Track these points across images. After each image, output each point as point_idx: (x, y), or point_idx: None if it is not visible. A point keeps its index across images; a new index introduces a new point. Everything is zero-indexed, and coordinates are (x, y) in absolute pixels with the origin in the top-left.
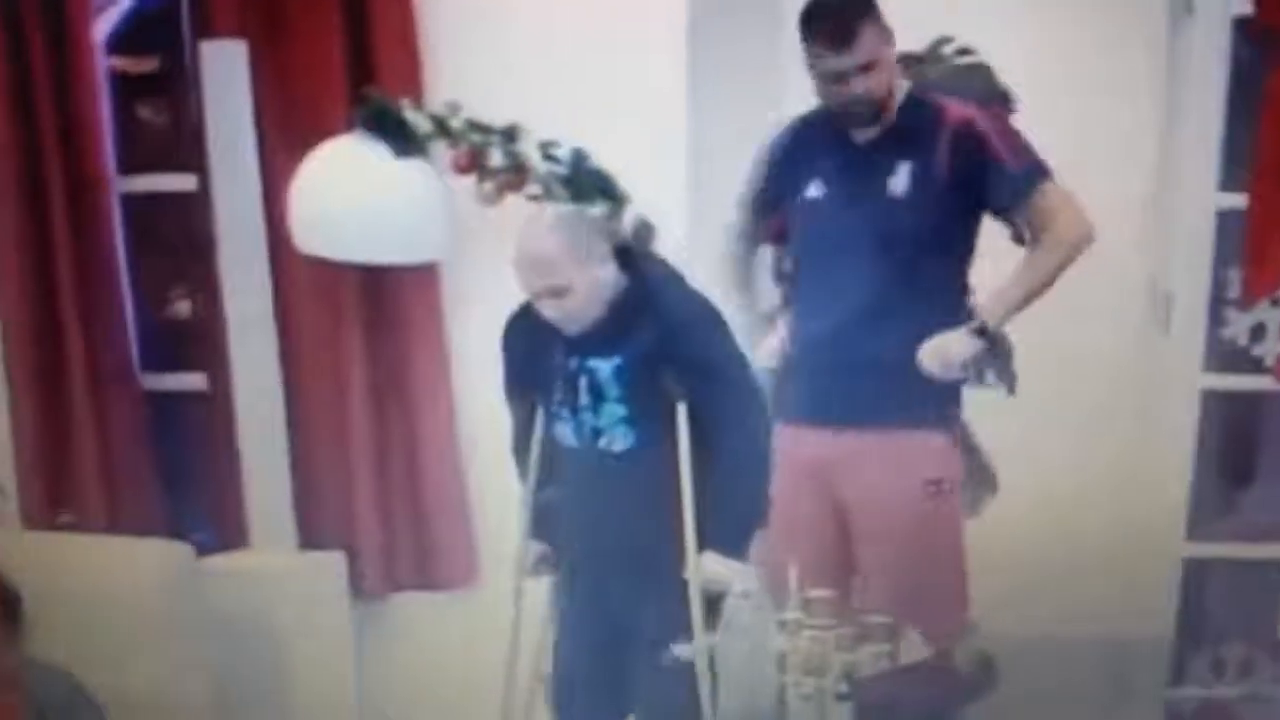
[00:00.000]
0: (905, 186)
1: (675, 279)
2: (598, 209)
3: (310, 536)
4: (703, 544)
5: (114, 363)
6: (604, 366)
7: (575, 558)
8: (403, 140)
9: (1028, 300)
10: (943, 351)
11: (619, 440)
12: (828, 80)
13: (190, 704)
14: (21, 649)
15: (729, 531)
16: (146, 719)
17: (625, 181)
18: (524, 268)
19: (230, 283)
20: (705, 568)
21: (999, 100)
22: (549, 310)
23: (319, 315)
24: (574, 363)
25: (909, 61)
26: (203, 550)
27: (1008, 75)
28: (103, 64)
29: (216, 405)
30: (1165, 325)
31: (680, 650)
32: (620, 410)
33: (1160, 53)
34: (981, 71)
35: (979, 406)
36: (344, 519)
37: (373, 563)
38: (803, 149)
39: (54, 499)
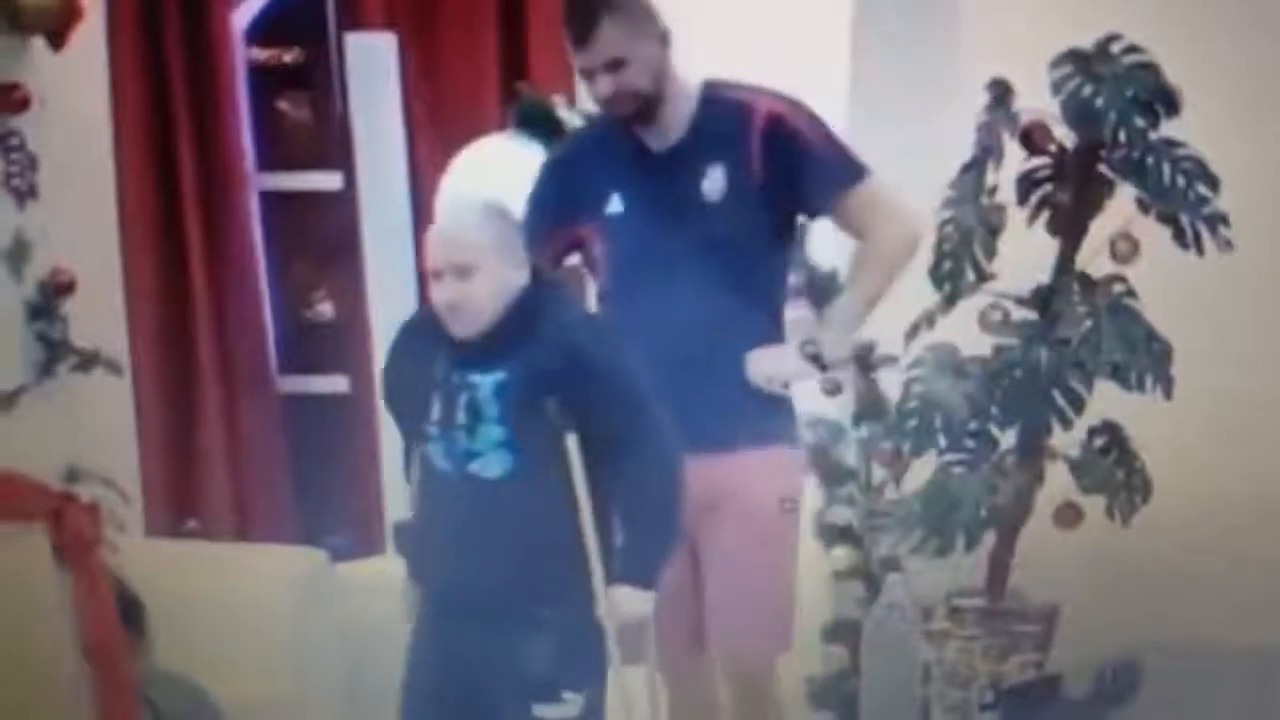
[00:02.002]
0: (720, 190)
1: (574, 307)
2: None
3: None
4: (609, 578)
5: (249, 366)
6: (485, 382)
7: (428, 597)
8: (553, 135)
9: (862, 317)
10: (770, 366)
11: (493, 465)
12: (583, 79)
13: (319, 713)
14: (144, 658)
15: (643, 561)
16: None
17: None
18: (439, 239)
19: (375, 284)
20: (619, 604)
21: (1163, 100)
22: (446, 293)
23: None
24: (455, 377)
25: (1077, 59)
26: (338, 556)
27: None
28: (242, 55)
29: (358, 408)
30: None
31: (546, 712)
32: (498, 432)
33: None
34: (1149, 70)
35: (1134, 411)
36: None
37: None
38: (591, 161)
39: (181, 506)
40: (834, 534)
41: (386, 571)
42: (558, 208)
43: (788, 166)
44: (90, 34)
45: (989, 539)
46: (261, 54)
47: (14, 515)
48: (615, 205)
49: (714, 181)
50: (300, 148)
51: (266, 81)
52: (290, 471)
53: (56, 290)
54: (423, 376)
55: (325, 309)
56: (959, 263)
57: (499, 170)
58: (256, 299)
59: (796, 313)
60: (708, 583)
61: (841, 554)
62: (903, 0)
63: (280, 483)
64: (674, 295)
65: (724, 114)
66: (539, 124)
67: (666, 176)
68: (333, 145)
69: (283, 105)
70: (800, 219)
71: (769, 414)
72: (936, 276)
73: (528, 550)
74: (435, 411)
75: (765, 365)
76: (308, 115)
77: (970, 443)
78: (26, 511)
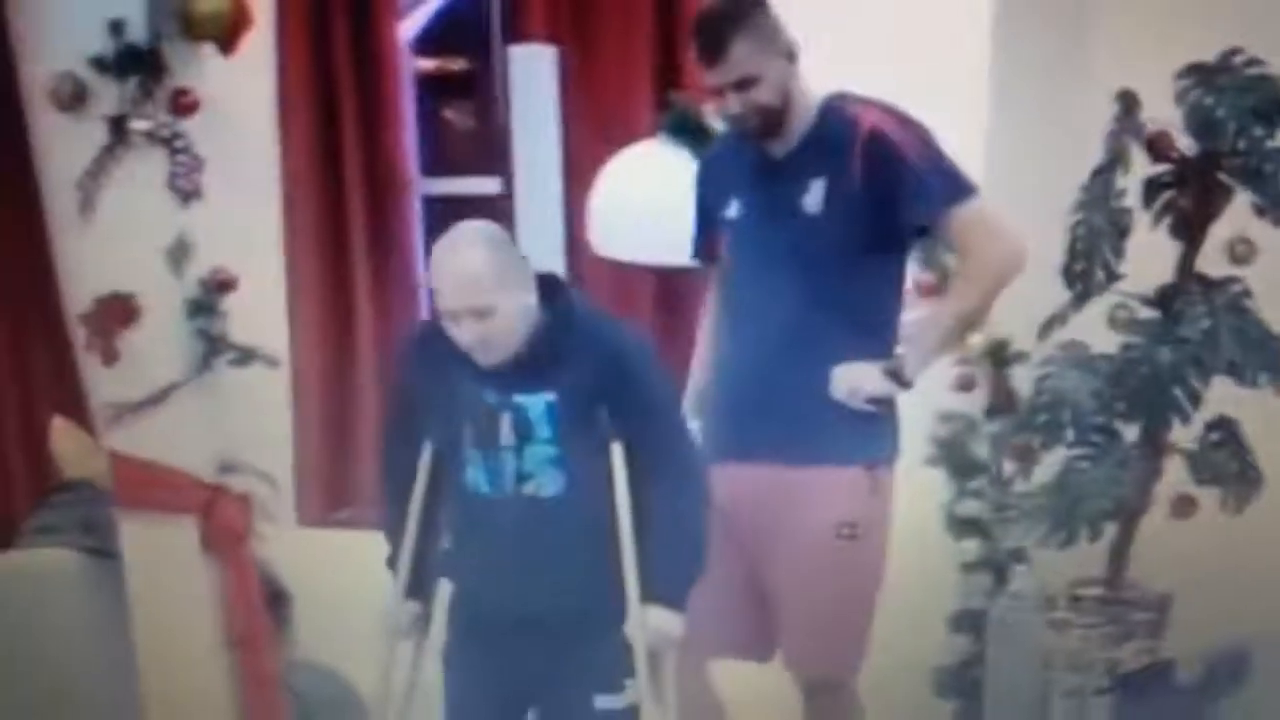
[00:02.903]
0: (820, 202)
1: (601, 312)
2: None
3: None
4: (643, 597)
5: None
6: (533, 403)
7: (479, 617)
8: (702, 144)
9: (954, 337)
10: (852, 381)
11: (548, 485)
12: (714, 95)
13: None
14: (289, 648)
15: (672, 582)
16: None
17: None
18: (446, 284)
19: None
20: (653, 624)
21: None
22: (467, 334)
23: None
24: (492, 399)
25: (1199, 72)
26: None
27: None
28: (409, 64)
29: None
30: None
31: (608, 703)
32: (550, 451)
33: None
34: (1268, 82)
35: (1248, 407)
36: None
37: None
38: (725, 166)
39: (334, 496)
40: (963, 526)
41: None
42: (701, 208)
43: (887, 181)
44: (259, 40)
45: (1110, 530)
46: (430, 64)
47: (165, 507)
48: (734, 210)
49: (815, 194)
50: (463, 154)
51: (435, 90)
52: None
53: (217, 288)
54: (448, 397)
55: None
56: (1090, 262)
57: (649, 175)
58: (416, 299)
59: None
60: (776, 598)
61: (971, 546)
62: (1038, 20)
63: None
64: (772, 304)
65: (835, 127)
66: (689, 131)
67: (777, 186)
68: (493, 151)
69: (449, 113)
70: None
71: (845, 431)
72: (1069, 275)
73: (586, 564)
74: (470, 435)
75: (848, 380)
76: (472, 123)
77: (1096, 437)
78: (177, 504)
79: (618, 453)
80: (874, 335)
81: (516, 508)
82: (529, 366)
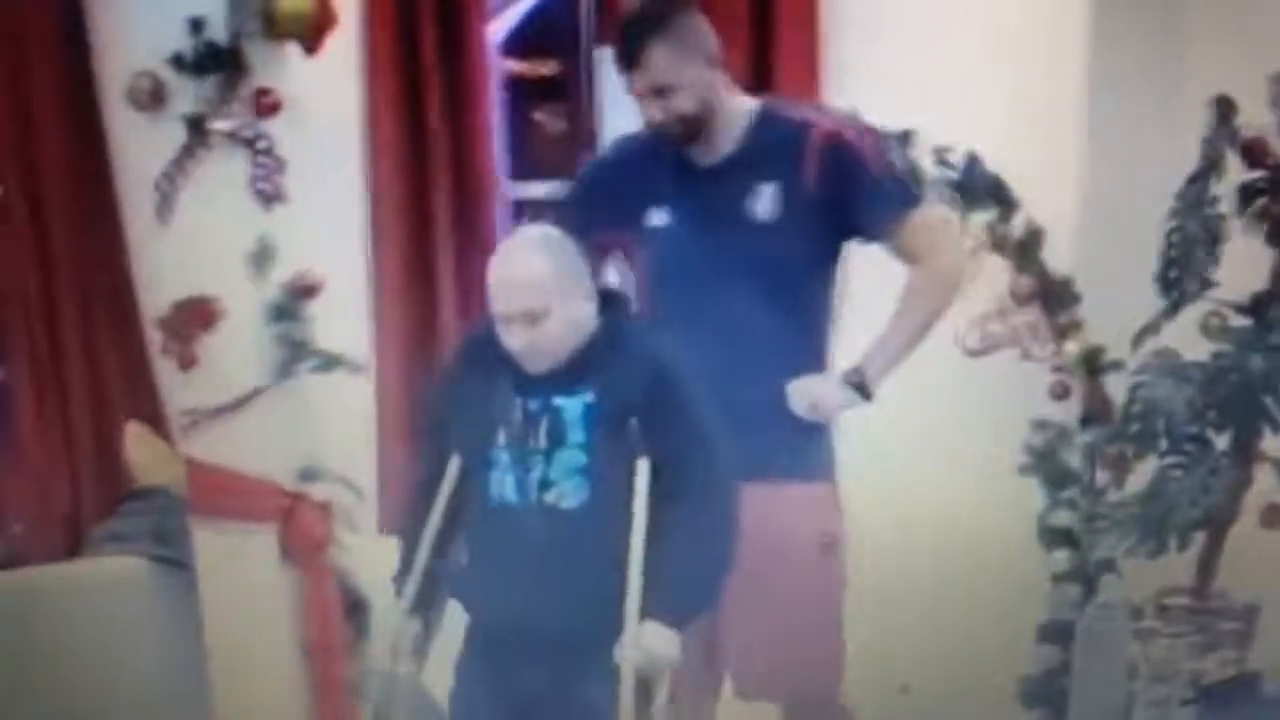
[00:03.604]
0: (770, 209)
1: (648, 326)
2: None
3: None
4: (644, 613)
5: None
6: (571, 405)
7: (492, 633)
8: None
9: (910, 346)
10: (812, 395)
11: (570, 494)
12: (636, 100)
13: None
14: (365, 657)
15: (677, 602)
16: None
17: (1016, 187)
18: (504, 286)
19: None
20: (647, 643)
21: None
22: (517, 339)
23: None
24: (533, 403)
25: None
26: None
27: None
28: (496, 65)
29: None
30: None
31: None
32: (579, 458)
33: None
34: None
35: None
36: None
37: None
38: (635, 171)
39: None
40: (1055, 537)
41: None
42: (590, 212)
43: (844, 187)
44: (344, 40)
45: (1198, 539)
46: (519, 66)
47: (243, 515)
48: (655, 218)
49: (765, 200)
50: (551, 157)
51: (523, 93)
52: None
53: (300, 293)
54: (488, 400)
55: None
56: (1184, 270)
57: None
58: None
59: (1027, 317)
60: (748, 618)
61: (1061, 556)
62: (1133, 28)
63: None
64: (713, 315)
65: (781, 132)
66: None
67: (711, 193)
68: (581, 155)
69: (537, 116)
70: (851, 242)
71: (809, 446)
72: (1164, 283)
73: (602, 581)
74: (503, 437)
75: (808, 395)
76: (563, 126)
77: (1189, 446)
78: (256, 511)
79: (643, 468)
80: (818, 344)
81: (537, 518)
82: (570, 371)
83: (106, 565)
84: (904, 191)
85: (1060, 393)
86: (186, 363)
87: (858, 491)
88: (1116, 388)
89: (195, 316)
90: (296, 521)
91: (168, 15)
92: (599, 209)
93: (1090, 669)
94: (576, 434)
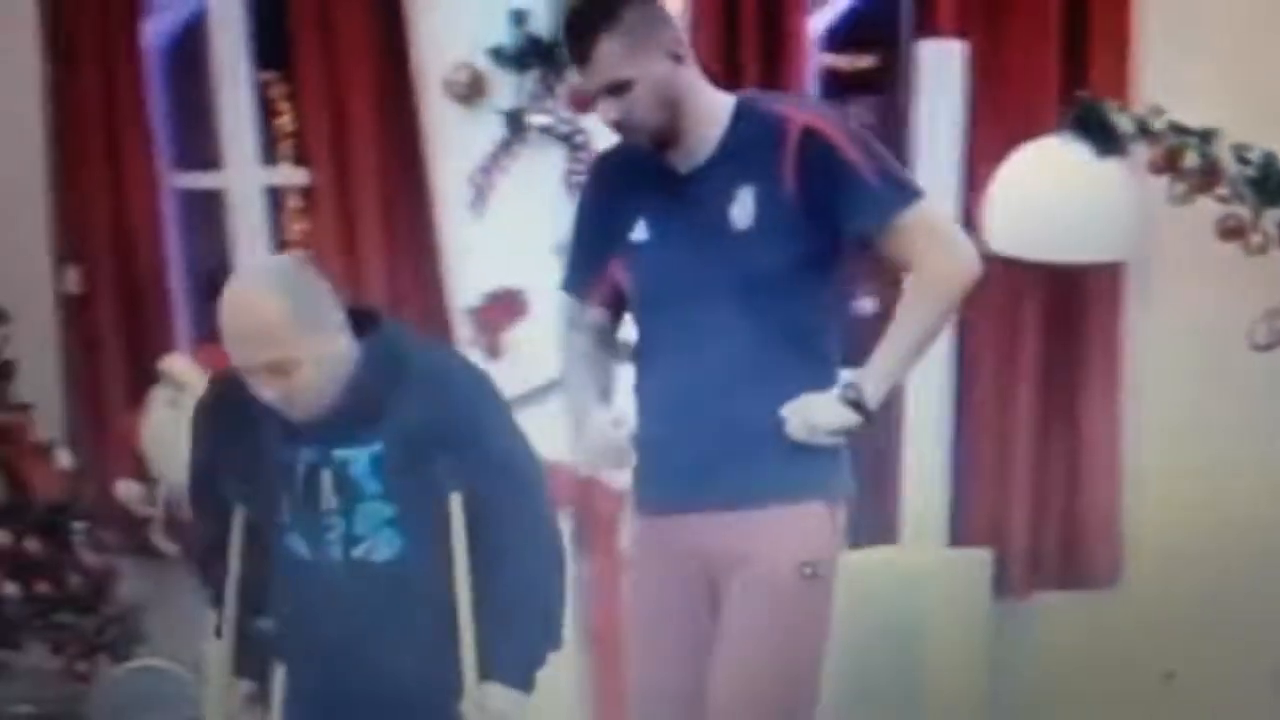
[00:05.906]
0: (750, 215)
1: (427, 341)
2: None
3: (958, 536)
4: (482, 673)
5: None
6: (357, 457)
7: (313, 699)
8: (1106, 141)
9: (909, 361)
10: (808, 416)
11: (382, 547)
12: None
13: None
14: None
15: (513, 658)
16: None
17: None
18: (237, 339)
19: None
20: (491, 705)
21: None
22: (269, 392)
23: (996, 317)
24: (308, 455)
25: None
26: None
27: None
28: (816, 60)
29: None
30: None
31: None
32: (384, 510)
33: None
34: None
35: None
36: (996, 520)
37: (1019, 562)
38: (619, 183)
39: None
40: None
41: (893, 560)
42: (591, 238)
43: (826, 185)
44: None
45: None
46: (839, 60)
47: None
48: (640, 233)
49: (743, 206)
50: None
51: (839, 87)
52: None
53: None
54: (254, 458)
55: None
56: None
57: (1051, 172)
58: None
59: None
60: (719, 648)
61: None
62: None
63: None
64: (698, 334)
65: (756, 130)
66: (1090, 126)
67: (691, 202)
68: (894, 149)
69: (853, 110)
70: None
71: (802, 466)
72: None
73: (427, 635)
74: (286, 498)
75: (806, 416)
76: (873, 119)
77: None
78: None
79: (456, 504)
80: (817, 360)
81: (347, 575)
82: (349, 415)
83: None
84: (893, 189)
85: None
86: (494, 352)
87: (1172, 498)
88: None
89: (506, 307)
90: (591, 505)
91: (489, 6)
92: (599, 240)
93: None
94: (372, 486)
